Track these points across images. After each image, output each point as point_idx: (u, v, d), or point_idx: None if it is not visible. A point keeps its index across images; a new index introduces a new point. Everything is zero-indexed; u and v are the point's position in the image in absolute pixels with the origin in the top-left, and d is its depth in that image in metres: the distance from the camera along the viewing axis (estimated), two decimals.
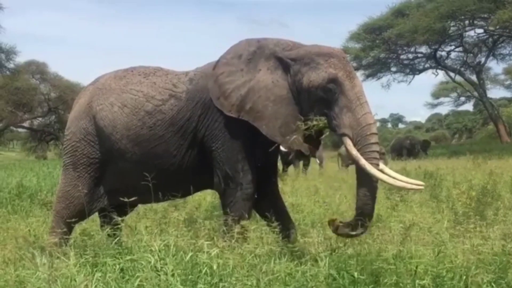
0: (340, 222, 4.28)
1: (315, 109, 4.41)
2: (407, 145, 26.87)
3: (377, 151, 4.31)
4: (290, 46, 4.64)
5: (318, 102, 4.40)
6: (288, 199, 6.60)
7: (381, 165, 4.35)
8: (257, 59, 4.60)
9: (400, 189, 5.44)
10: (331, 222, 4.32)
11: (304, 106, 4.47)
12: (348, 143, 4.29)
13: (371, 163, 4.18)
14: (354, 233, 4.17)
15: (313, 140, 4.57)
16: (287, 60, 4.53)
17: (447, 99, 49.55)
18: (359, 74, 35.60)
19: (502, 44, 36.38)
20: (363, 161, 4.18)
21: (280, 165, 12.96)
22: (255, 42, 4.70)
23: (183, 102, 4.67)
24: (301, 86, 4.45)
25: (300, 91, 4.48)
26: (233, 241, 3.98)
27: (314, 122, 4.38)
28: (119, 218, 4.31)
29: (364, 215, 4.17)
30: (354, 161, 4.30)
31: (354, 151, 4.24)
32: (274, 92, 4.49)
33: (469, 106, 54.10)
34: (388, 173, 4.36)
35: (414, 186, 4.38)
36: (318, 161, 15.41)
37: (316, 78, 4.38)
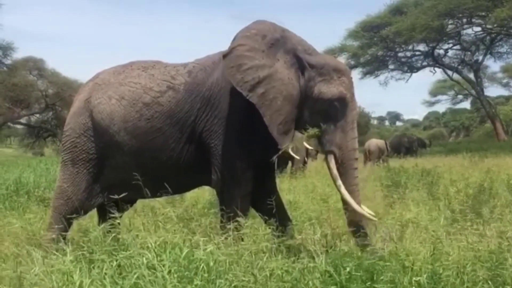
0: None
1: (313, 118, 4.54)
2: (405, 143, 26.88)
3: (357, 176, 4.59)
4: (311, 50, 4.70)
5: (319, 113, 4.53)
6: (285, 197, 6.58)
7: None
8: (279, 48, 4.60)
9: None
10: None
11: (305, 112, 4.58)
12: (332, 161, 4.50)
13: (351, 187, 4.46)
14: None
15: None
16: (305, 63, 4.57)
17: (444, 97, 49.78)
18: (357, 72, 35.73)
19: (500, 42, 36.47)
20: (339, 182, 4.44)
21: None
22: (280, 30, 4.70)
23: (181, 94, 4.67)
24: (311, 93, 4.54)
25: (307, 97, 4.56)
26: (230, 238, 3.98)
27: (311, 131, 4.53)
28: (117, 214, 4.32)
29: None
30: (332, 179, 4.54)
31: (335, 171, 4.48)
32: (287, 88, 4.51)
33: (466, 104, 54.32)
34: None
35: (370, 217, 4.46)
36: (310, 158, 15.63)
37: (326, 92, 4.50)
